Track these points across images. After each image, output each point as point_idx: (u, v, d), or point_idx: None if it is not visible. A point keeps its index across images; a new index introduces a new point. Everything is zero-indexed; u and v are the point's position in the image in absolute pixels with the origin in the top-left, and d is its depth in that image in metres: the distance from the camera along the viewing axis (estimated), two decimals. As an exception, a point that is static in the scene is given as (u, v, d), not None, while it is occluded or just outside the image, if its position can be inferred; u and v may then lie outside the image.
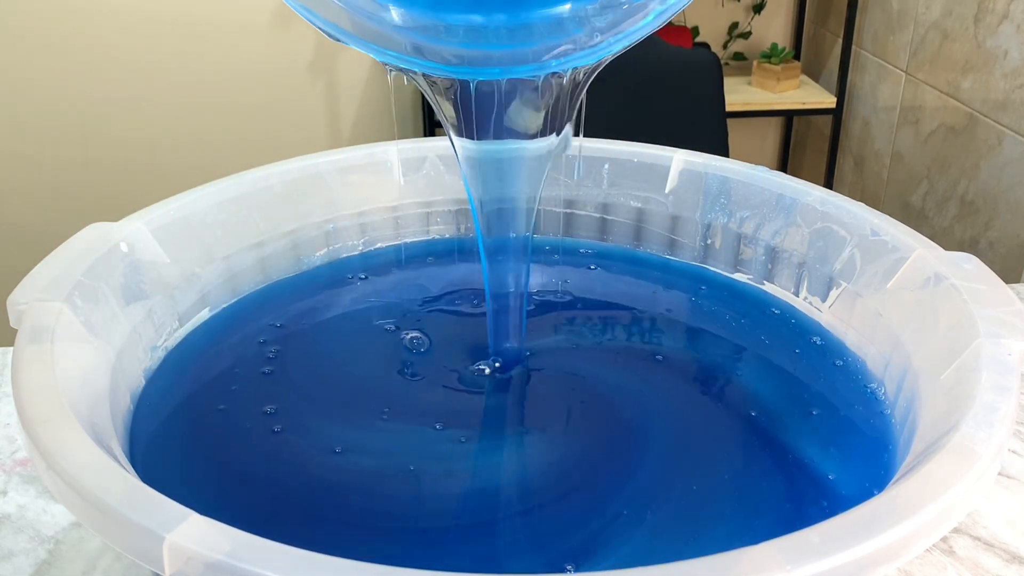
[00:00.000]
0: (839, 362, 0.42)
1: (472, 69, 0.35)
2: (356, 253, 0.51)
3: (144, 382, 0.39)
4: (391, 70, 0.36)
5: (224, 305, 0.45)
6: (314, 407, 0.39)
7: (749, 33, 1.92)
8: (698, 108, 1.34)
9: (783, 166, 2.09)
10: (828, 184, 1.86)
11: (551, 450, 0.37)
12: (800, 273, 0.46)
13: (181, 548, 0.24)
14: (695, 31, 1.88)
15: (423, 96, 0.38)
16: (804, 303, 0.46)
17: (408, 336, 0.44)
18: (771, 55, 1.81)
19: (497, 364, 0.42)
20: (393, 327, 0.45)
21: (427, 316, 0.46)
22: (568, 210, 0.52)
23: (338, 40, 0.34)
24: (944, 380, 0.34)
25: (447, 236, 0.52)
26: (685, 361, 0.44)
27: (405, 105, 1.84)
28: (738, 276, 0.49)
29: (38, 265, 0.36)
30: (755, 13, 1.90)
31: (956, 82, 1.48)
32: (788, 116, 1.99)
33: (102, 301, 0.37)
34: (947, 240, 1.52)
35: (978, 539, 0.45)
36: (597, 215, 0.52)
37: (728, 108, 1.45)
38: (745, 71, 1.89)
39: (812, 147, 2.02)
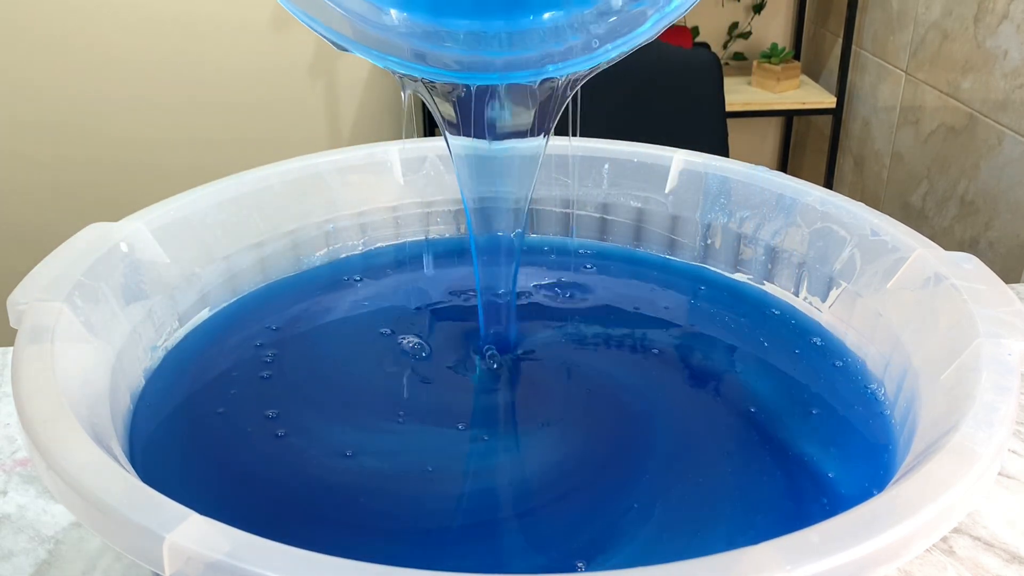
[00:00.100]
0: (839, 363, 0.42)
1: (472, 75, 0.35)
2: (356, 253, 0.51)
3: (144, 382, 0.39)
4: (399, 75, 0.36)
5: (224, 305, 0.45)
6: (314, 408, 0.39)
7: (749, 33, 1.92)
8: (698, 108, 1.34)
9: (783, 166, 2.09)
10: (828, 184, 1.86)
11: (557, 449, 0.38)
12: (800, 273, 0.46)
13: (181, 548, 0.24)
14: (695, 31, 1.88)
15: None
16: (804, 303, 0.46)
17: (408, 338, 0.44)
18: (771, 55, 1.81)
19: (496, 364, 0.42)
20: (393, 328, 0.45)
21: (427, 317, 0.46)
22: (568, 210, 0.52)
23: (341, 47, 0.35)
24: (944, 380, 0.34)
25: (447, 236, 0.52)
26: (686, 360, 0.44)
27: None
28: (738, 276, 0.49)
29: (38, 265, 0.36)
30: (755, 13, 1.90)
31: (956, 82, 1.48)
32: (788, 116, 1.99)
33: (102, 301, 0.37)
34: (947, 240, 1.52)
35: (978, 539, 0.45)
36: (597, 215, 0.52)
37: (728, 108, 1.45)
38: (745, 71, 1.89)
39: (812, 147, 2.02)
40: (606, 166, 0.51)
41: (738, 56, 1.92)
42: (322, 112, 1.79)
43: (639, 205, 0.51)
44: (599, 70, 0.36)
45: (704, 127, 1.34)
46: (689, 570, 0.23)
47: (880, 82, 1.72)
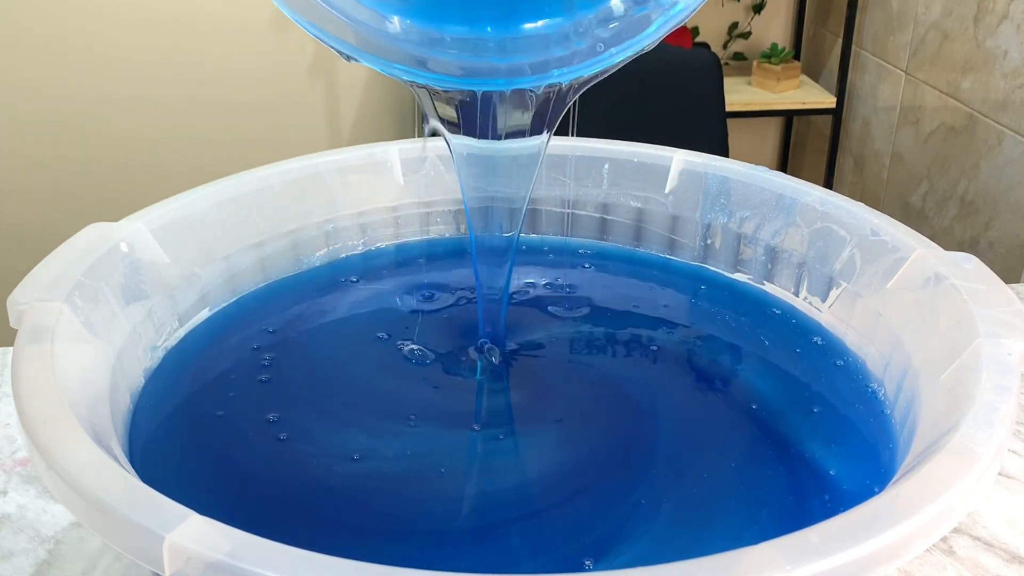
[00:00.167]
0: (840, 362, 0.42)
1: (477, 80, 0.35)
2: (356, 253, 0.51)
3: (144, 382, 0.39)
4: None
5: (224, 305, 0.45)
6: (314, 409, 0.39)
7: (749, 33, 1.92)
8: (698, 108, 1.34)
9: (783, 166, 2.09)
10: (828, 184, 1.86)
11: (561, 448, 0.38)
12: (800, 273, 0.46)
13: (181, 548, 0.24)
14: (695, 31, 1.88)
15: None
16: (804, 303, 0.46)
17: (409, 339, 0.44)
18: (771, 55, 1.81)
19: (498, 364, 0.42)
20: (393, 329, 0.45)
21: (427, 317, 0.46)
22: (568, 210, 0.52)
23: (350, 58, 0.35)
24: (944, 380, 0.34)
25: (447, 236, 0.52)
26: (687, 358, 0.44)
27: (405, 105, 1.84)
28: (738, 276, 0.49)
29: (38, 265, 0.36)
30: (755, 13, 1.90)
31: (956, 82, 1.48)
32: (788, 116, 1.99)
33: (102, 301, 0.37)
34: (947, 240, 1.52)
35: (978, 539, 0.45)
36: (597, 215, 0.52)
37: (728, 108, 1.45)
38: (745, 71, 1.89)
39: (812, 147, 2.02)
40: (606, 166, 0.51)
41: (738, 56, 1.92)
42: (322, 112, 1.79)
43: (639, 205, 0.51)
44: (604, 75, 0.36)
45: (704, 127, 1.34)
46: (689, 570, 0.23)
47: (880, 82, 1.72)
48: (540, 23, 0.35)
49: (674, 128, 1.33)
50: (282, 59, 1.72)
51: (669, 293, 0.49)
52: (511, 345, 0.43)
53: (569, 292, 0.48)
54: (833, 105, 1.79)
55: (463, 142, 0.38)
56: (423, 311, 0.47)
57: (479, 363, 0.42)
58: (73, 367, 0.32)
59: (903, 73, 1.63)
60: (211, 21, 1.67)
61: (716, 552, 0.24)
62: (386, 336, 0.44)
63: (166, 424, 0.38)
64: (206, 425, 0.38)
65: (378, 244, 0.51)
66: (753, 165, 0.48)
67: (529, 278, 0.49)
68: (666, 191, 0.50)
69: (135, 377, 0.39)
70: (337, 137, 1.82)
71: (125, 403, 0.37)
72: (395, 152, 0.50)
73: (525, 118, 0.38)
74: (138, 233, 0.41)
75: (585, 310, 0.47)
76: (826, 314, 0.44)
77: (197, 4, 1.65)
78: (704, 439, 0.38)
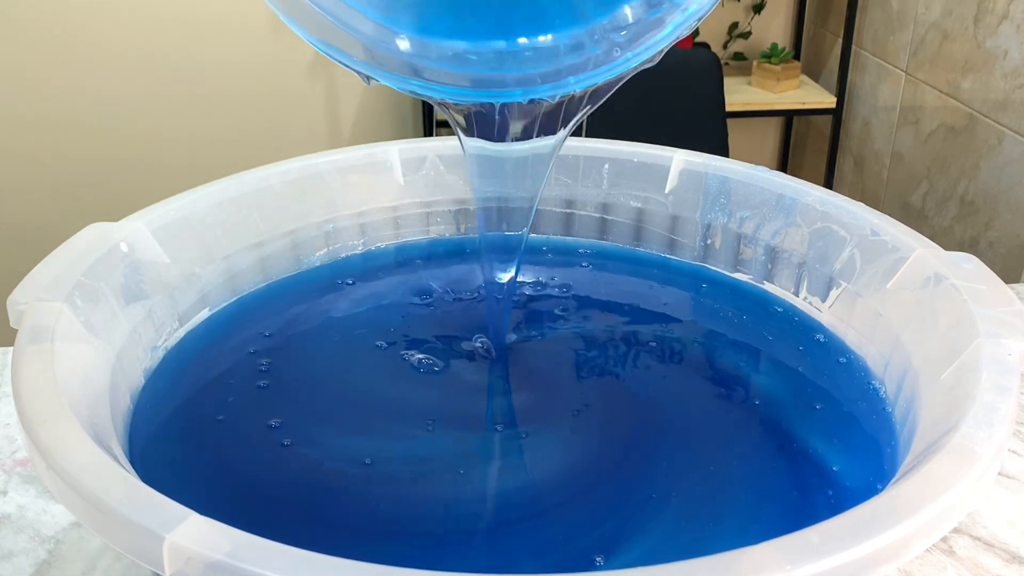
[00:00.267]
0: (842, 359, 0.42)
1: (494, 92, 0.35)
2: (356, 253, 0.51)
3: (144, 382, 0.39)
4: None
5: (224, 305, 0.45)
6: (314, 410, 0.39)
7: (749, 33, 1.92)
8: (698, 108, 1.34)
9: (783, 166, 2.09)
10: (828, 184, 1.86)
11: (568, 446, 0.38)
12: (800, 273, 0.46)
13: (181, 548, 0.24)
14: (695, 31, 1.88)
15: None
16: (804, 303, 0.46)
17: (410, 339, 0.44)
18: (771, 55, 1.81)
19: (502, 362, 0.42)
20: (394, 329, 0.45)
21: (428, 317, 0.46)
22: (568, 210, 0.52)
23: (367, 76, 0.35)
24: (944, 380, 0.34)
25: (447, 236, 0.52)
26: (691, 356, 0.44)
27: (405, 105, 1.84)
28: (738, 276, 0.49)
29: (38, 265, 0.36)
30: (755, 13, 1.90)
31: (956, 82, 1.48)
32: (788, 116, 1.99)
33: (102, 301, 0.37)
34: (947, 240, 1.52)
35: (978, 539, 0.45)
36: (597, 215, 0.52)
37: (728, 108, 1.45)
38: (745, 71, 1.89)
39: (812, 147, 2.02)
40: (606, 166, 0.51)
41: (738, 56, 1.92)
42: (322, 112, 1.79)
43: (639, 205, 0.51)
44: (619, 84, 0.36)
45: (704, 127, 1.35)
46: (689, 570, 0.23)
47: (880, 82, 1.72)
48: (556, 33, 0.35)
49: (674, 128, 1.33)
50: (282, 59, 1.72)
51: (669, 292, 0.49)
52: (514, 344, 0.43)
53: (571, 292, 0.48)
54: (833, 105, 1.79)
55: (476, 143, 0.38)
56: (423, 311, 0.47)
57: (485, 365, 0.42)
58: (73, 367, 0.32)
59: (903, 73, 1.63)
60: (212, 20, 1.67)
61: (725, 547, 0.24)
62: (386, 337, 0.44)
63: (166, 424, 0.38)
64: (206, 426, 0.38)
65: (378, 244, 0.51)
66: (753, 165, 0.48)
67: (530, 278, 0.49)
68: (666, 191, 0.50)
69: (135, 377, 0.39)
70: (337, 137, 1.82)
71: (125, 403, 0.37)
72: (395, 152, 0.50)
73: (539, 123, 0.37)
74: (138, 233, 0.41)
75: (586, 310, 0.47)
76: (826, 314, 0.44)
77: (198, 4, 1.65)
78: (709, 435, 0.38)
